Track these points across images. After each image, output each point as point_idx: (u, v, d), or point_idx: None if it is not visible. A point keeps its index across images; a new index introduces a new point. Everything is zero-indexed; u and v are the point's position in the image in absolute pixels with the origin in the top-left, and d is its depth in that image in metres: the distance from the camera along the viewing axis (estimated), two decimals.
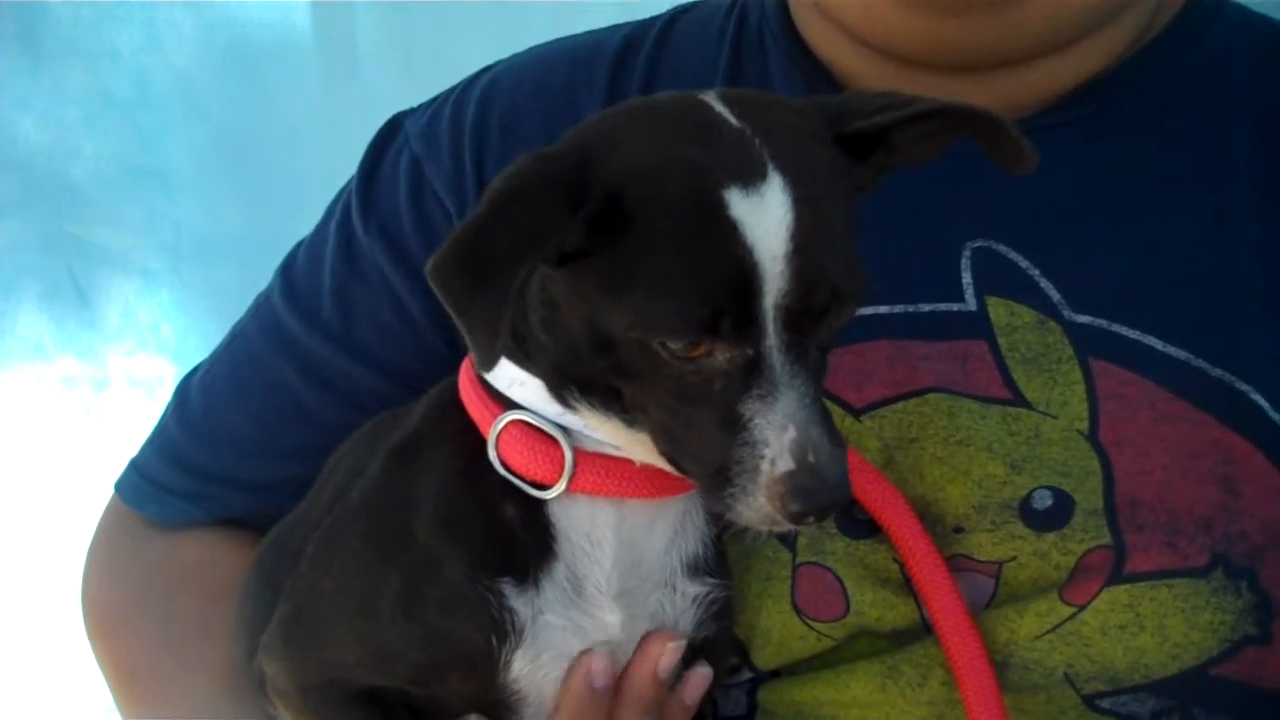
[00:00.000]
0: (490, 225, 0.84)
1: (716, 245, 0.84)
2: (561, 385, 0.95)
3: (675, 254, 0.85)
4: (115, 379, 2.65)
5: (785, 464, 0.85)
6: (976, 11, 1.13)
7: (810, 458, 0.85)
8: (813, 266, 0.85)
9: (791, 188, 0.86)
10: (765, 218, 0.85)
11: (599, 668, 1.00)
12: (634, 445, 0.96)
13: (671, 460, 0.93)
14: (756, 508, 0.87)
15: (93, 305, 2.65)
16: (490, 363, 0.86)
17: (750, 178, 0.85)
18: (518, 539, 0.99)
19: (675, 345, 0.86)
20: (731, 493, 0.87)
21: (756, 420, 0.86)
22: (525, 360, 0.97)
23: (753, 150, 0.87)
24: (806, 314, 0.86)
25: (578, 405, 0.95)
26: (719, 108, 0.90)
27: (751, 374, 0.86)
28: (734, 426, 0.87)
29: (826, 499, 0.86)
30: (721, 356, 0.87)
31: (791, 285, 0.85)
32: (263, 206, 2.51)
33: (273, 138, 2.50)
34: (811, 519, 0.87)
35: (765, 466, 0.86)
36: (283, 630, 1.07)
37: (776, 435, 0.86)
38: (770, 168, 0.86)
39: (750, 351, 0.86)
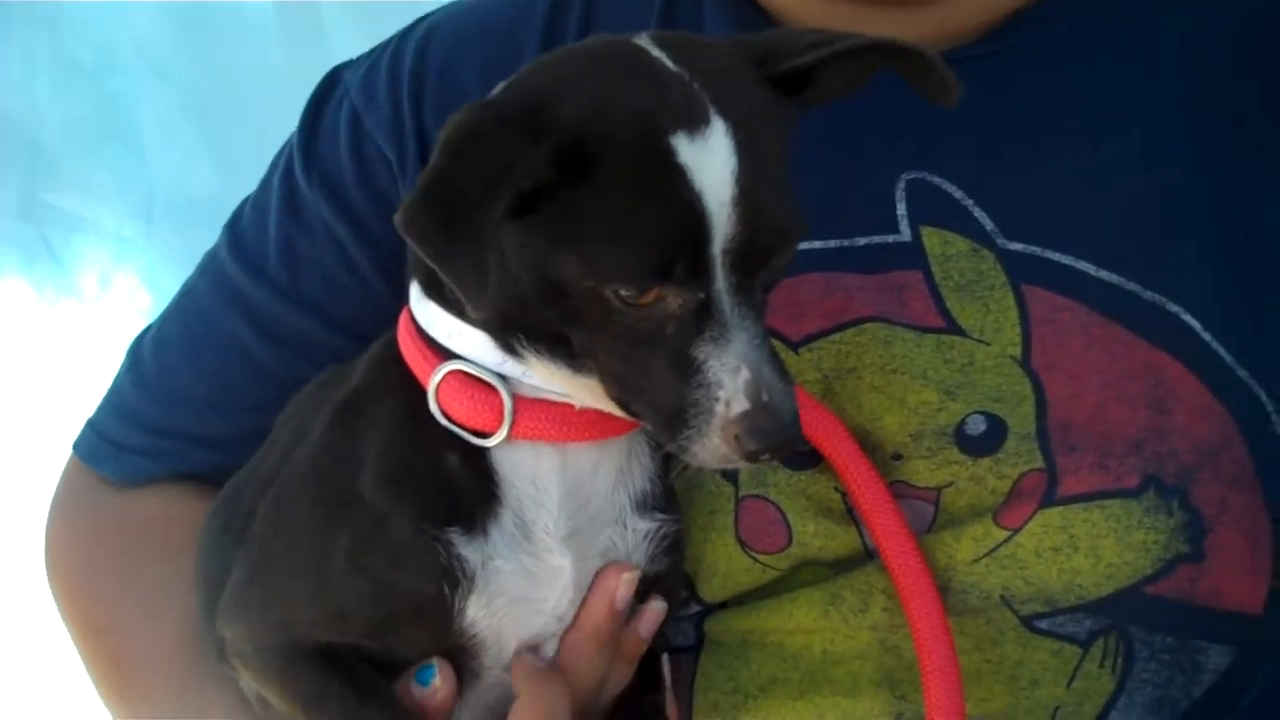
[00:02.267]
0: (456, 169, 0.85)
1: (667, 193, 0.86)
2: (508, 334, 0.96)
3: (628, 202, 0.86)
4: (93, 343, 2.66)
5: (740, 404, 0.87)
6: None
7: (764, 397, 0.87)
8: (757, 209, 0.87)
9: (733, 132, 0.87)
10: (711, 163, 0.86)
11: (530, 658, 1.03)
12: (580, 390, 0.97)
13: (622, 405, 0.94)
14: (712, 449, 0.89)
15: (69, 270, 2.66)
16: (482, 305, 0.85)
17: (695, 124, 0.87)
18: (462, 488, 1.01)
19: (628, 293, 0.87)
20: (688, 435, 0.89)
21: (710, 363, 0.88)
22: (466, 311, 0.98)
23: (694, 95, 0.88)
24: (753, 256, 0.88)
25: (524, 353, 0.96)
26: (656, 52, 0.91)
27: (702, 317, 0.88)
28: (687, 370, 0.88)
29: (782, 436, 0.88)
30: (673, 302, 0.88)
31: (738, 229, 0.87)
32: (233, 168, 2.51)
33: (239, 99, 2.51)
34: (767, 456, 0.89)
35: (720, 408, 0.88)
36: (238, 594, 1.08)
37: (730, 376, 0.88)
38: (712, 112, 0.87)
39: (701, 295, 0.88)
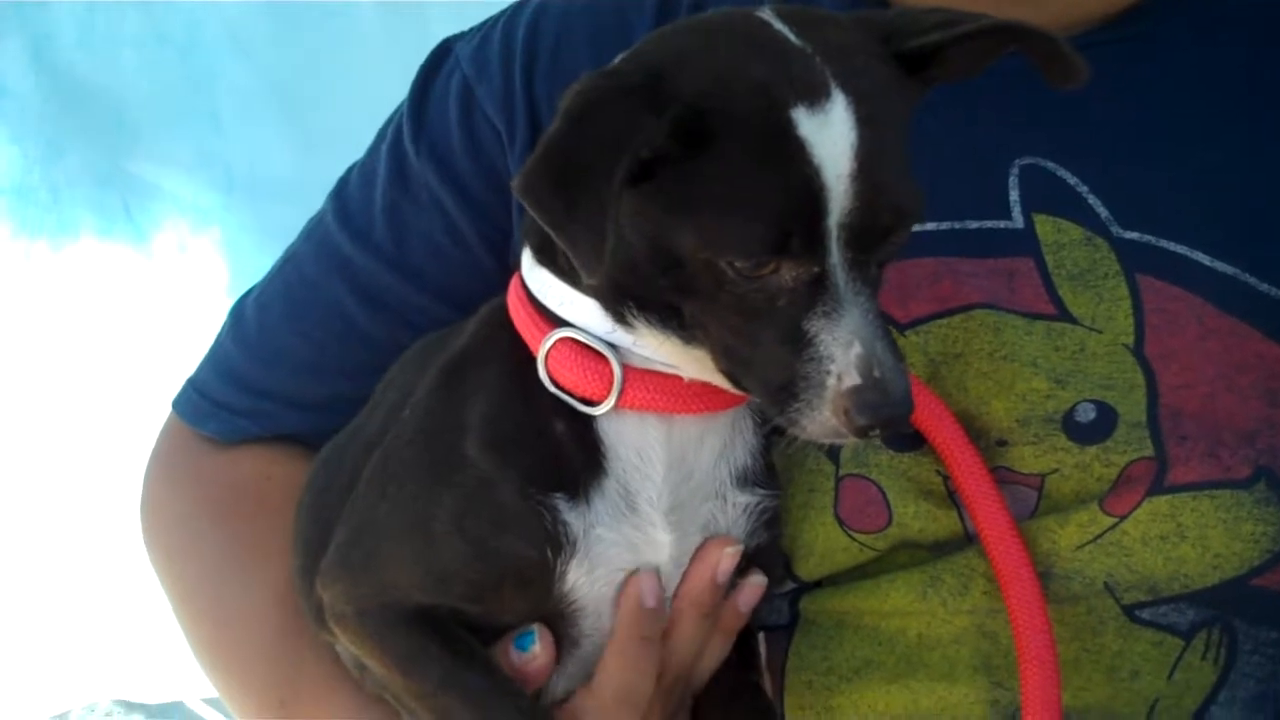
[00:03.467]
0: (575, 136, 0.85)
1: (786, 165, 0.86)
2: (619, 303, 0.96)
3: (748, 174, 0.87)
4: (170, 312, 2.70)
5: (851, 379, 0.87)
6: None
7: (875, 372, 0.87)
8: (875, 185, 0.87)
9: (854, 107, 0.87)
10: (831, 137, 0.87)
11: (648, 588, 1.02)
12: (689, 362, 0.97)
13: (731, 377, 0.94)
14: (821, 422, 0.89)
15: (148, 239, 2.70)
16: (597, 273, 0.85)
17: (816, 97, 0.87)
18: (568, 455, 1.01)
19: (743, 264, 0.88)
20: (797, 408, 0.89)
21: (822, 336, 0.88)
22: (578, 280, 0.98)
23: (815, 69, 0.88)
24: (869, 232, 0.88)
25: (634, 322, 0.96)
26: (778, 25, 0.91)
27: (816, 291, 0.88)
28: (798, 343, 0.89)
29: (892, 412, 0.88)
30: (787, 275, 0.88)
31: (856, 204, 0.87)
32: (310, 147, 2.55)
33: (318, 81, 2.54)
34: (876, 431, 0.89)
35: (831, 381, 0.88)
36: (340, 555, 1.09)
37: (842, 350, 0.88)
38: (833, 86, 0.87)
39: (815, 269, 0.88)
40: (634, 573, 1.03)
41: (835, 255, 0.88)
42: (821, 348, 0.88)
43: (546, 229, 0.87)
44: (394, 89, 1.37)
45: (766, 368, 0.91)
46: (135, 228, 2.69)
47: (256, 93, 2.64)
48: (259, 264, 1.44)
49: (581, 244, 0.85)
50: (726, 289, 0.89)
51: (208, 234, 2.69)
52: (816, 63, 0.88)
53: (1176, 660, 1.08)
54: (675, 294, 0.92)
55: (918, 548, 1.14)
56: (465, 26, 1.38)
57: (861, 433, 0.89)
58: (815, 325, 0.88)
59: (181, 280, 2.71)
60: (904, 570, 1.13)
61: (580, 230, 0.85)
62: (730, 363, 0.93)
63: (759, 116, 0.87)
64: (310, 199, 1.41)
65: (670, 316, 0.94)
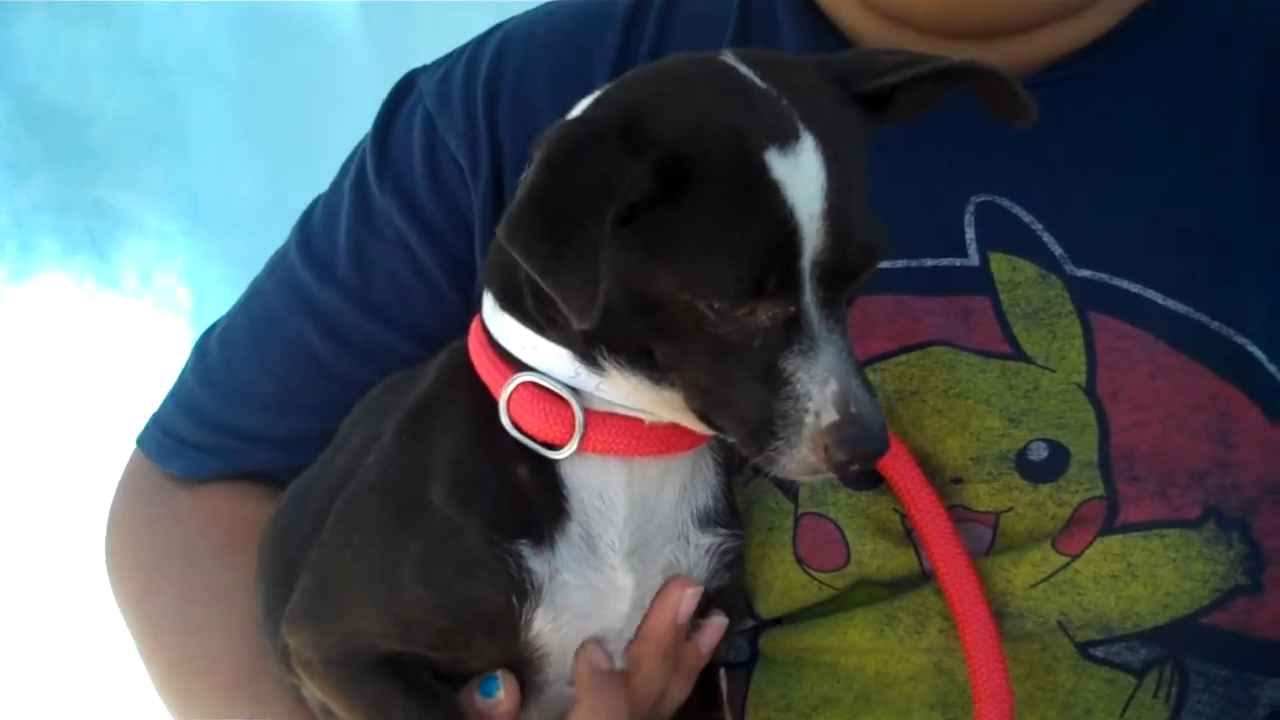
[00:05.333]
0: (559, 181, 0.86)
1: (763, 207, 0.88)
2: (590, 346, 0.97)
3: (726, 216, 0.88)
4: (132, 339, 2.68)
5: (829, 416, 0.89)
6: None
7: (852, 408, 0.89)
8: (845, 224, 0.89)
9: (822, 147, 0.89)
10: (803, 178, 0.88)
11: (596, 655, 1.04)
12: (659, 403, 0.98)
13: (704, 417, 0.95)
14: (800, 459, 0.91)
15: (111, 265, 2.68)
16: (590, 317, 0.85)
17: (786, 139, 0.89)
18: (532, 500, 1.02)
19: (723, 306, 0.89)
20: (776, 446, 0.91)
21: (799, 374, 0.90)
22: (546, 325, 0.99)
23: (783, 112, 0.90)
24: (841, 270, 0.90)
25: (605, 365, 0.97)
26: (743, 70, 0.93)
27: (791, 330, 0.90)
28: (775, 382, 0.90)
29: (871, 447, 0.90)
30: (764, 315, 0.90)
31: (828, 243, 0.89)
32: (278, 172, 2.54)
33: (289, 104, 2.53)
34: (855, 467, 0.91)
35: (809, 419, 0.89)
36: (305, 601, 1.09)
37: (819, 388, 0.89)
38: (801, 128, 0.89)
39: (791, 309, 0.90)
40: (585, 644, 1.04)
41: (809, 294, 0.90)
42: (799, 386, 0.90)
43: (534, 275, 0.87)
44: (366, 116, 1.37)
45: (743, 407, 0.92)
46: (99, 254, 2.68)
47: (224, 117, 2.63)
48: (224, 293, 1.44)
49: (573, 289, 0.86)
50: (703, 330, 0.90)
51: (172, 262, 2.67)
52: (783, 106, 0.90)
53: (1129, 698, 1.10)
54: (649, 336, 0.93)
55: (876, 585, 1.15)
56: (443, 53, 1.39)
57: (841, 469, 0.91)
58: (792, 364, 0.90)
59: (145, 309, 2.69)
60: (862, 608, 1.14)
61: (571, 276, 0.85)
62: (704, 403, 0.94)
63: (734, 160, 0.88)
64: (278, 227, 1.41)
65: (642, 358, 0.95)
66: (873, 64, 0.97)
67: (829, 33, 1.26)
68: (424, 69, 1.37)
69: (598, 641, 1.05)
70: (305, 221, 1.37)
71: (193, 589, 1.31)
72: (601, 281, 0.84)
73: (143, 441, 1.40)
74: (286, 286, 1.34)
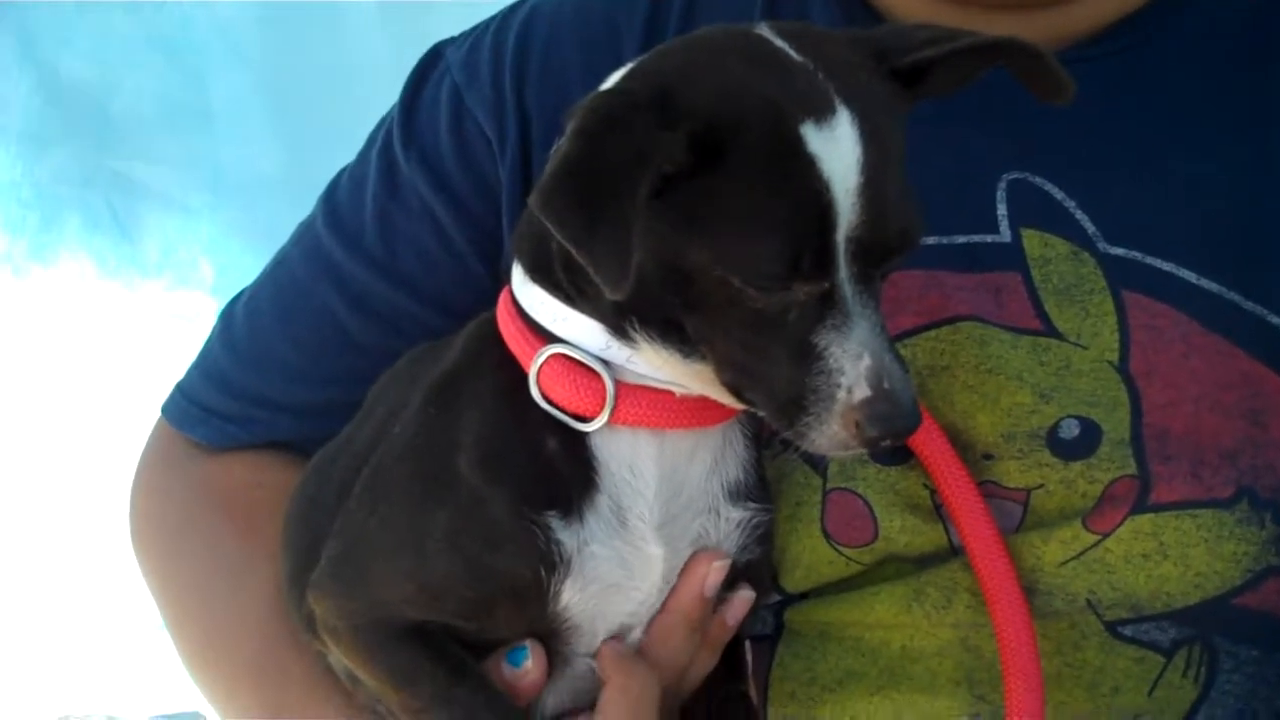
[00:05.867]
0: (593, 152, 0.85)
1: (799, 182, 0.87)
2: (621, 318, 0.96)
3: (762, 190, 0.87)
4: (154, 313, 2.69)
5: (862, 391, 0.88)
6: None
7: (885, 384, 0.88)
8: (881, 200, 0.88)
9: (858, 122, 0.88)
10: (839, 153, 0.87)
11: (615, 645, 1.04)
12: (689, 376, 0.97)
13: (735, 391, 0.95)
14: (831, 434, 0.90)
15: (133, 239, 2.69)
16: (623, 288, 0.84)
17: (822, 113, 0.88)
18: (561, 472, 1.01)
19: (758, 280, 0.88)
20: (806, 421, 0.90)
21: (832, 349, 0.89)
22: (576, 296, 0.98)
23: (819, 85, 0.89)
24: (876, 246, 0.89)
25: (636, 337, 0.96)
26: (778, 42, 0.92)
27: (825, 305, 0.89)
28: (808, 357, 0.89)
29: (903, 423, 0.89)
30: (799, 290, 0.89)
31: (863, 218, 0.88)
32: (301, 146, 2.54)
33: (311, 81, 2.53)
34: (888, 443, 0.90)
35: (842, 394, 0.89)
36: (332, 569, 1.09)
37: (852, 364, 0.89)
38: (837, 102, 0.88)
39: (826, 284, 0.89)
40: (605, 642, 1.04)
41: (843, 270, 0.89)
42: (831, 361, 0.89)
43: (567, 245, 0.87)
44: (387, 89, 1.37)
45: (774, 381, 0.91)
46: (120, 228, 2.68)
47: (247, 92, 2.63)
48: (247, 266, 1.44)
49: (605, 260, 0.85)
50: (736, 304, 0.90)
51: (195, 235, 2.68)
52: (819, 79, 0.89)
53: (1157, 677, 1.09)
54: (681, 309, 0.92)
55: (903, 561, 1.14)
56: (461, 28, 1.38)
57: (872, 444, 0.90)
58: (825, 339, 0.89)
59: (167, 282, 2.70)
60: (889, 583, 1.14)
61: (603, 246, 0.85)
62: (736, 376, 0.94)
63: (770, 133, 0.87)
64: (300, 199, 1.41)
65: (673, 331, 0.94)
66: (909, 39, 0.96)
67: (860, 7, 1.25)
68: (451, 41, 1.36)
69: (616, 636, 1.05)
70: (331, 192, 1.37)
71: (216, 556, 1.32)
72: (634, 253, 0.83)
73: (167, 410, 1.40)
74: (312, 256, 1.34)
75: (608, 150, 0.85)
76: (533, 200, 0.86)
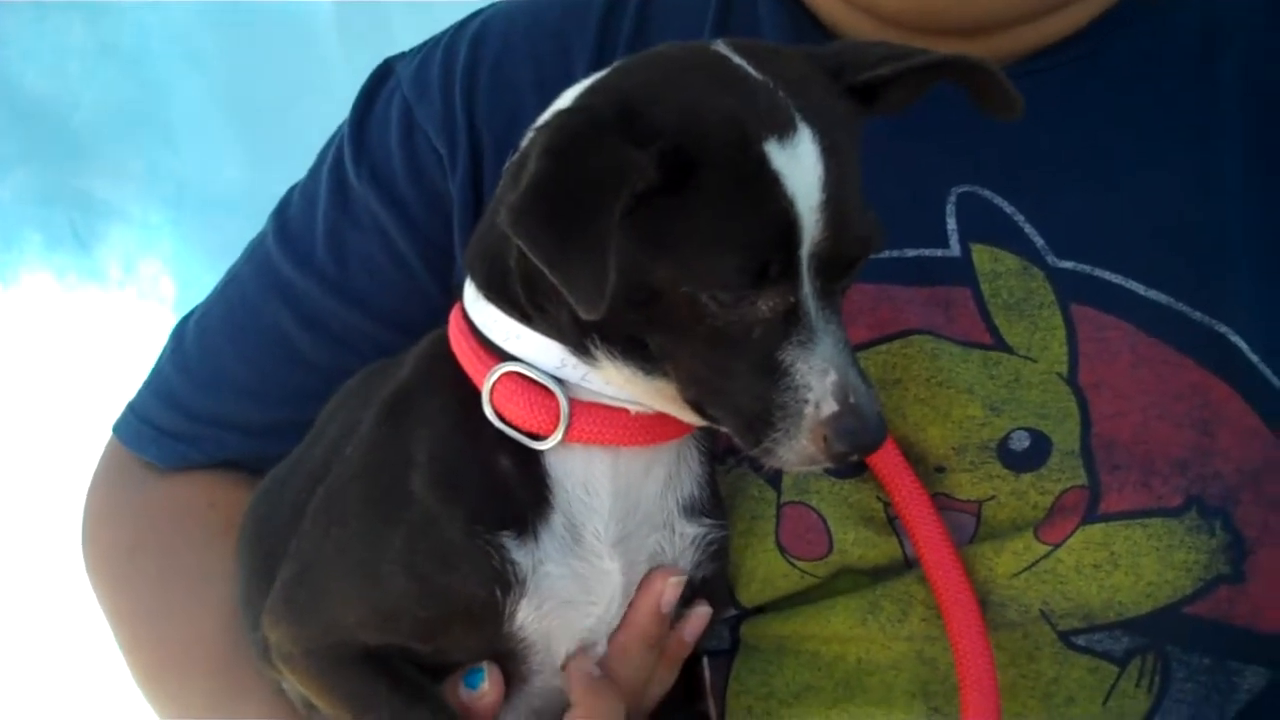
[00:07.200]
0: (563, 172, 0.85)
1: (764, 199, 0.87)
2: (583, 335, 0.96)
3: (727, 207, 0.88)
4: (117, 328, 2.67)
5: (829, 406, 0.89)
6: None
7: (851, 399, 0.89)
8: (842, 215, 0.89)
9: (819, 138, 0.89)
10: (801, 169, 0.88)
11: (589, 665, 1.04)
12: (650, 394, 0.97)
13: (698, 408, 0.95)
14: (799, 450, 0.90)
15: (94, 256, 2.67)
16: (598, 308, 0.84)
17: (784, 130, 0.88)
18: (514, 491, 1.01)
19: (725, 296, 0.89)
20: (774, 437, 0.91)
21: (798, 365, 0.90)
22: (534, 314, 0.98)
23: (780, 103, 0.90)
24: (838, 261, 0.90)
25: (598, 355, 0.96)
26: (737, 59, 0.92)
27: (790, 322, 0.90)
28: (774, 373, 0.90)
29: (870, 438, 0.90)
30: (764, 305, 0.89)
31: (826, 234, 0.89)
32: (262, 160, 2.53)
33: (271, 92, 2.52)
34: (855, 457, 0.91)
35: (809, 410, 0.89)
36: (285, 594, 1.08)
37: (819, 379, 0.90)
38: (798, 119, 0.89)
39: (790, 299, 0.89)
40: (573, 656, 1.04)
41: (807, 285, 0.89)
42: (798, 376, 0.90)
43: (540, 265, 0.86)
44: (349, 103, 1.37)
45: (740, 398, 0.91)
46: (81, 244, 2.67)
47: (207, 105, 2.61)
48: (208, 281, 1.43)
49: (580, 281, 0.84)
50: (702, 321, 0.90)
51: (156, 251, 2.66)
52: (779, 96, 0.90)
53: (1111, 687, 1.09)
54: (645, 326, 0.92)
55: (858, 574, 1.14)
56: (422, 35, 1.38)
57: (839, 459, 0.91)
58: (790, 355, 0.90)
59: (129, 298, 2.68)
60: (844, 596, 1.14)
61: (579, 267, 0.84)
62: (700, 394, 0.94)
63: (735, 150, 0.88)
64: (261, 215, 1.41)
65: (635, 348, 0.94)
66: (863, 56, 0.97)
67: (810, 25, 1.26)
68: (401, 56, 1.36)
69: (585, 649, 1.04)
70: (282, 209, 1.36)
71: (169, 577, 1.31)
72: (611, 273, 0.83)
73: (119, 429, 1.39)
74: (263, 273, 1.33)
75: (580, 170, 0.85)
76: (503, 219, 0.86)
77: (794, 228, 0.88)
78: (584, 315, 0.86)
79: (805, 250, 0.88)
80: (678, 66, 0.94)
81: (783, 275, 0.88)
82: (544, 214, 0.85)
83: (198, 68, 2.56)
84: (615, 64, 0.99)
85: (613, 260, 0.83)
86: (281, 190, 1.40)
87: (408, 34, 1.41)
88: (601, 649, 1.06)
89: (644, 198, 0.86)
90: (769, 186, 0.87)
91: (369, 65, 1.38)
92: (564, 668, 1.05)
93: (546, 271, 0.85)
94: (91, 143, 2.61)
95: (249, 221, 1.44)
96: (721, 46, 0.94)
